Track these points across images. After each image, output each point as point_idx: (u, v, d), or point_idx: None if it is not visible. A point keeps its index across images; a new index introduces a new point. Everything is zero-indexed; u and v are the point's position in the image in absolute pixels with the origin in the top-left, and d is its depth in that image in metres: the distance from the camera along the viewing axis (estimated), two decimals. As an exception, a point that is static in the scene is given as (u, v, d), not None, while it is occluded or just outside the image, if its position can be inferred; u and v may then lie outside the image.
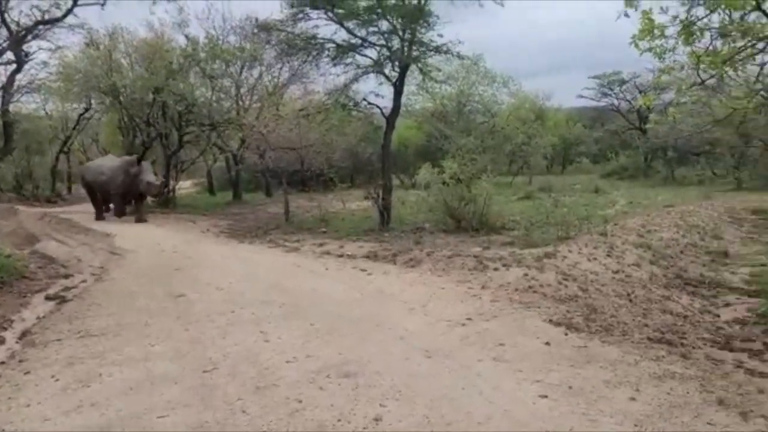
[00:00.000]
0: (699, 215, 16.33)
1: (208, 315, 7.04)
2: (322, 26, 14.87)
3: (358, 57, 15.18)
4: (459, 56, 15.54)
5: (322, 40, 15.01)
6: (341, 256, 11.09)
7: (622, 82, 37.56)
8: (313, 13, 14.60)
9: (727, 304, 8.24)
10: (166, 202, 21.83)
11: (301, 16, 14.70)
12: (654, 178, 31.43)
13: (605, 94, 39.61)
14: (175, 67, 20.36)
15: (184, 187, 30.64)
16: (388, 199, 14.81)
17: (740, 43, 6.09)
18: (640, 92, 33.33)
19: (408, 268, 9.68)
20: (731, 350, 6.01)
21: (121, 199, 18.34)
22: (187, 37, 21.11)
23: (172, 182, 22.83)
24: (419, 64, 15.31)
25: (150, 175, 17.76)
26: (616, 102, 39.48)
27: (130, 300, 7.90)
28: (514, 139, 29.24)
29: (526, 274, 8.50)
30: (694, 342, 6.19)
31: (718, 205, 19.21)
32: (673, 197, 21.34)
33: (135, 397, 4.69)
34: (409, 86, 21.38)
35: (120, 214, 18.40)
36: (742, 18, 6.03)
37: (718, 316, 7.69)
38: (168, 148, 22.51)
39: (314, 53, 15.50)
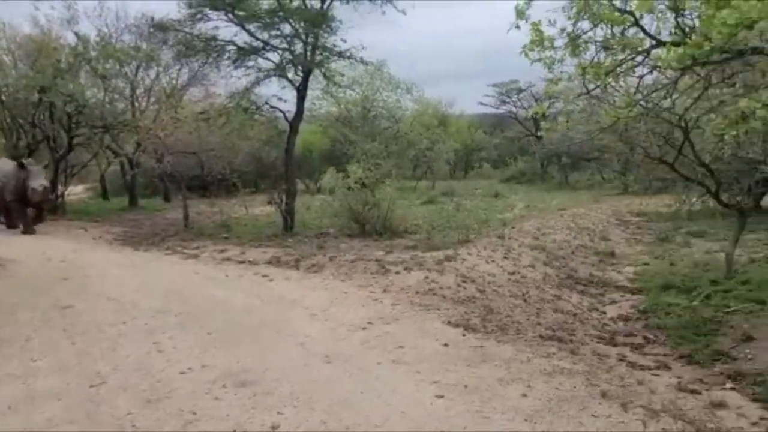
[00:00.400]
0: (589, 218, 17.30)
1: (98, 326, 6.68)
2: (223, 28, 14.55)
3: (260, 60, 14.95)
4: (362, 61, 15.65)
5: (222, 42, 14.67)
6: (243, 262, 10.86)
7: (520, 90, 39.02)
8: (213, 14, 14.24)
9: (613, 302, 8.77)
10: (55, 209, 20.47)
11: (200, 16, 14.29)
12: (550, 183, 32.88)
13: (504, 102, 41.03)
14: (64, 66, 19.15)
15: (75, 192, 28.93)
16: (292, 204, 14.68)
17: (621, 56, 6.47)
18: (536, 101, 34.81)
19: (311, 274, 9.62)
20: (615, 345, 6.40)
21: (21, 205, 16.67)
22: (76, 34, 19.92)
23: (60, 187, 21.47)
24: (323, 69, 15.30)
25: (35, 181, 16.47)
26: (514, 109, 41.01)
27: (10, 313, 7.36)
28: (417, 144, 29.73)
29: (426, 277, 8.67)
30: (583, 338, 6.53)
31: (606, 207, 20.44)
32: (567, 201, 22.50)
33: (13, 417, 4.40)
34: (314, 91, 21.37)
35: (24, 224, 16.53)
36: (622, 33, 6.41)
37: (605, 313, 8.16)
38: (56, 151, 21.16)
39: (214, 55, 15.13)
